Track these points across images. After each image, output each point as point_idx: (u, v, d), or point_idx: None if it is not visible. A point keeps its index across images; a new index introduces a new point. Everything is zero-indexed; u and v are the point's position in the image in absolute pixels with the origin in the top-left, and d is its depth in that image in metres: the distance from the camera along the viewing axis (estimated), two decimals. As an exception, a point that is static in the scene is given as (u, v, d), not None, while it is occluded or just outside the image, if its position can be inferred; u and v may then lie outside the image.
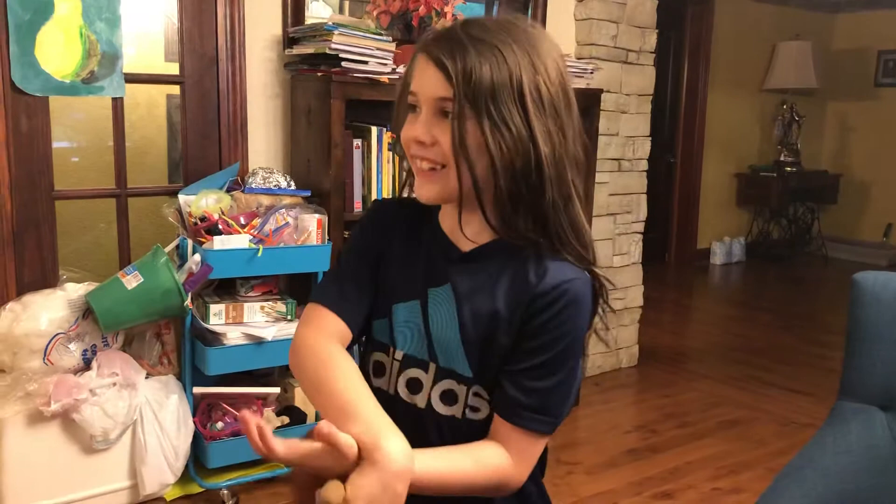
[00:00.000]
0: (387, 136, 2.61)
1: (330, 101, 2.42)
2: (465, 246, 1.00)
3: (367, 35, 2.48)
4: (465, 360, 0.98)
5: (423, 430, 0.99)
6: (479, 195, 0.92)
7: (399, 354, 1.02)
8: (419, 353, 1.01)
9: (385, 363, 1.04)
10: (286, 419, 2.46)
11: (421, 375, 1.00)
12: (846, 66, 6.89)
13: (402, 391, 1.01)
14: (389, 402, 0.98)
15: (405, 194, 1.06)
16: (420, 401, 1.00)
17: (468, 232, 0.98)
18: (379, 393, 1.00)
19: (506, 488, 0.94)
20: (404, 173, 1.04)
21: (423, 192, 0.97)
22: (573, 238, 0.95)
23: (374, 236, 1.06)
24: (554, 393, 0.94)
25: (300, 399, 2.55)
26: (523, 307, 0.94)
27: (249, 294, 2.43)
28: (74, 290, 2.25)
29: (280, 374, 2.62)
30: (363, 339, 1.07)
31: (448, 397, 0.99)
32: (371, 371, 1.05)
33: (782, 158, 6.58)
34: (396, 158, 2.66)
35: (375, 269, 1.04)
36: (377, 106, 2.54)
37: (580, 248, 0.96)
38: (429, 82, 0.92)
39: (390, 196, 2.71)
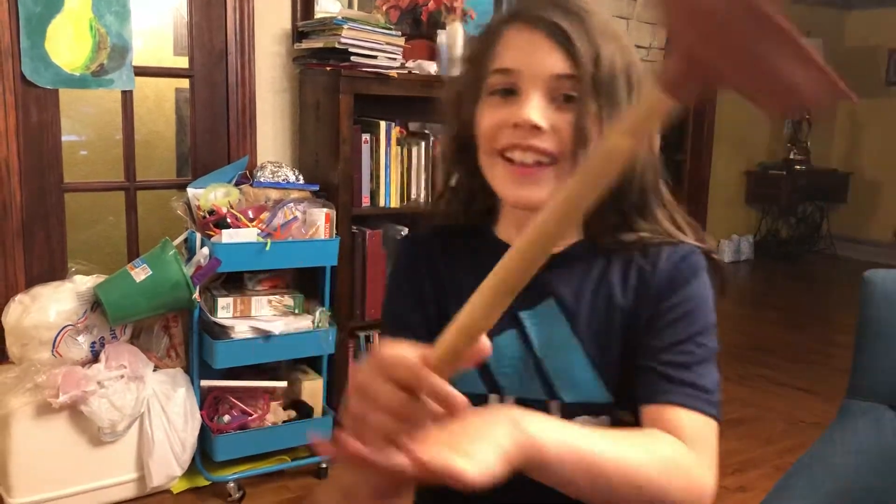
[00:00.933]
0: (395, 131, 2.61)
1: (338, 96, 2.42)
2: None
3: (377, 30, 2.48)
4: (599, 382, 0.81)
5: (549, 494, 0.69)
6: None
7: (510, 401, 0.82)
8: (534, 394, 0.82)
9: None
10: (293, 413, 2.47)
11: None
12: (857, 64, 6.83)
13: None
14: None
15: (439, 208, 0.91)
16: None
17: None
18: None
19: (698, 491, 0.70)
20: (441, 180, 0.90)
21: (529, 193, 0.79)
22: (672, 230, 0.84)
23: (419, 277, 0.90)
24: (707, 370, 0.78)
25: (307, 393, 2.55)
26: (647, 297, 0.81)
27: (257, 288, 2.44)
28: (83, 283, 2.26)
29: (287, 369, 2.62)
30: None
31: None
32: None
33: (792, 156, 6.54)
34: (405, 154, 2.65)
35: (431, 317, 0.87)
36: (386, 101, 2.54)
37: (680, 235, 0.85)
38: (542, 58, 0.78)
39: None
